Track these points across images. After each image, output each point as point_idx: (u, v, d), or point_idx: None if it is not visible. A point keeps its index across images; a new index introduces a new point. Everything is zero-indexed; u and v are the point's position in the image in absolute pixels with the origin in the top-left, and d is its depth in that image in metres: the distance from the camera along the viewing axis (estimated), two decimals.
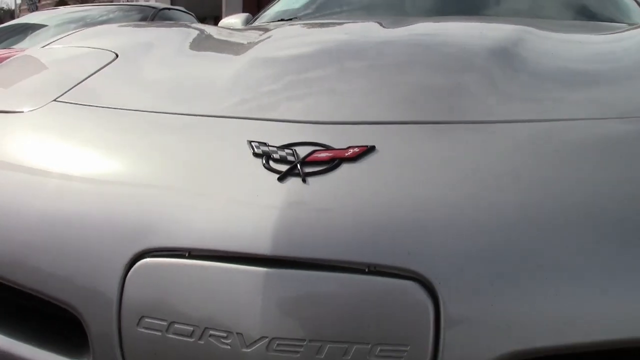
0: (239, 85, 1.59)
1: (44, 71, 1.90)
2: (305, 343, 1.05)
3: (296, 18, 3.17)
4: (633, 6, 3.07)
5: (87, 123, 1.56)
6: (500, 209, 1.11)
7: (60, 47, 2.11)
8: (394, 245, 1.07)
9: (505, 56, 1.53)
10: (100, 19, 7.66)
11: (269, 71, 1.68)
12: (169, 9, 8.54)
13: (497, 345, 1.02)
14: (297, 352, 1.05)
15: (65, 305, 1.23)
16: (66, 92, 1.67)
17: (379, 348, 1.04)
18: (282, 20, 3.12)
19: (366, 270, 1.07)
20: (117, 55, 1.90)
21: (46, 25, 6.53)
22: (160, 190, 1.27)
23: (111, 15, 7.88)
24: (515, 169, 1.19)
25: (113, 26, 2.98)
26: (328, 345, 1.05)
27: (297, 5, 3.52)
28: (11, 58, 2.04)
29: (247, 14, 3.65)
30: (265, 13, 3.59)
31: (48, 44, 2.15)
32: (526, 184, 1.15)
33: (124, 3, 10.26)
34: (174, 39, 2.15)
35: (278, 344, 1.06)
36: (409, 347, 1.03)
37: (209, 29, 2.50)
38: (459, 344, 1.03)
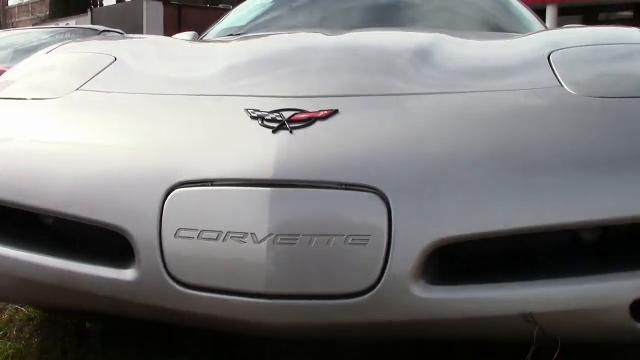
0: (227, 74, 2.13)
1: (60, 69, 2.39)
2: (299, 236, 1.57)
3: (244, 33, 3.69)
4: (534, 22, 3.78)
5: (110, 102, 2.07)
6: (425, 145, 1.68)
7: (65, 52, 2.60)
8: (359, 170, 1.62)
9: (422, 51, 2.12)
10: (46, 39, 7.70)
11: (249, 64, 2.23)
12: (109, 30, 8.91)
13: (431, 233, 1.57)
14: (294, 243, 1.58)
15: (115, 229, 1.71)
16: (84, 83, 2.18)
17: (351, 237, 1.57)
18: (230, 35, 3.59)
19: (340, 187, 1.60)
20: (115, 58, 2.40)
21: None
22: (185, 142, 1.79)
23: (57, 37, 7.97)
24: (429, 120, 1.78)
25: (95, 40, 3.45)
26: (316, 238, 1.57)
27: (240, 23, 4.04)
28: (24, 60, 2.50)
29: (193, 32, 4.12)
30: (211, 31, 4.08)
31: (51, 50, 2.64)
32: (439, 130, 1.73)
33: (57, 27, 10.45)
34: (153, 46, 2.69)
35: (281, 238, 1.58)
36: (371, 235, 1.57)
37: (175, 40, 3.04)
38: (404, 232, 1.57)
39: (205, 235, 1.59)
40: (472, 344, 1.91)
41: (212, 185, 1.64)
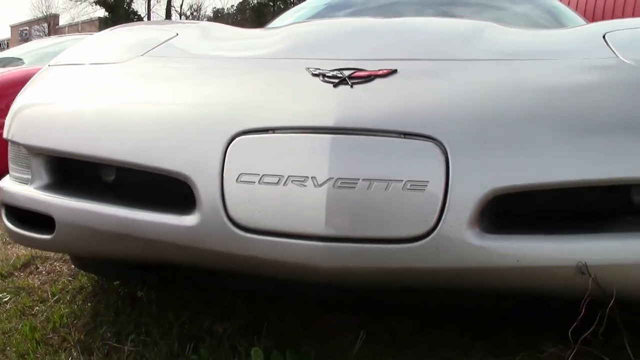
0: (288, 43, 2.20)
1: (126, 40, 2.48)
2: (359, 181, 1.62)
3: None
4: (576, 19, 3.82)
5: (175, 64, 2.15)
6: (483, 101, 1.73)
7: (128, 29, 2.70)
8: (418, 120, 1.67)
9: (477, 30, 2.18)
10: None
11: (309, 36, 2.31)
12: None
13: (487, 182, 1.60)
14: (354, 187, 1.62)
15: (178, 176, 1.77)
16: (148, 51, 2.27)
17: (409, 183, 1.61)
18: None
19: (400, 135, 1.65)
20: (177, 34, 2.49)
21: (21, 59, 6.80)
22: (248, 95, 1.85)
23: None
24: (486, 80, 1.82)
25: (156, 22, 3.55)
26: (375, 182, 1.62)
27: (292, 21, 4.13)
28: (97, 33, 2.61)
29: None
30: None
31: (114, 29, 2.74)
32: (497, 89, 1.78)
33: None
34: (215, 27, 2.78)
35: (341, 182, 1.62)
36: (429, 182, 1.61)
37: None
38: (462, 180, 1.60)
39: (266, 179, 1.63)
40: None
41: (273, 132, 1.67)
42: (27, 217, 2.05)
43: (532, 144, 1.60)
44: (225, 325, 2.18)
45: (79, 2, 36.49)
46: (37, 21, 47.82)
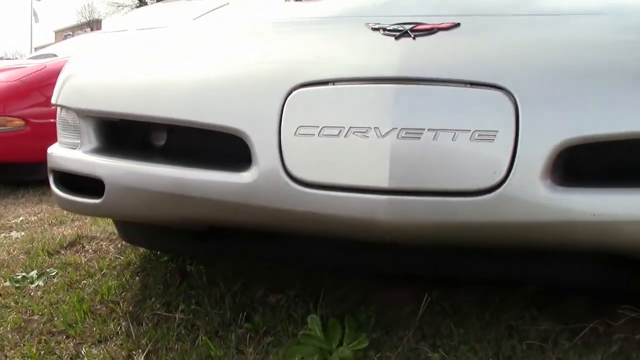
0: (339, 3, 2.12)
1: (175, 9, 2.44)
2: (424, 131, 1.53)
3: None
4: None
5: (227, 26, 2.09)
6: (551, 50, 1.64)
7: (175, 3, 2.65)
8: (485, 69, 1.58)
9: None
10: None
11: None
12: None
13: (559, 132, 1.51)
14: (419, 137, 1.54)
15: (234, 132, 1.70)
16: (199, 16, 2.20)
17: (477, 133, 1.52)
18: None
19: (467, 85, 1.56)
20: (228, 3, 2.43)
21: (55, 54, 6.87)
22: (306, 49, 1.77)
23: None
24: (553, 30, 1.74)
25: None
26: (441, 133, 1.53)
27: None
28: (141, 7, 2.56)
29: None
30: None
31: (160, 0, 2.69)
32: (565, 40, 1.68)
33: None
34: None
35: (405, 133, 1.54)
36: (498, 132, 1.52)
37: None
38: (532, 130, 1.51)
39: (326, 131, 1.56)
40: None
41: (333, 84, 1.60)
42: (76, 182, 2.00)
43: (604, 95, 1.52)
44: (278, 297, 2.11)
45: (120, 8, 36.94)
46: (80, 26, 48.59)
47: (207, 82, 1.77)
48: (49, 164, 2.06)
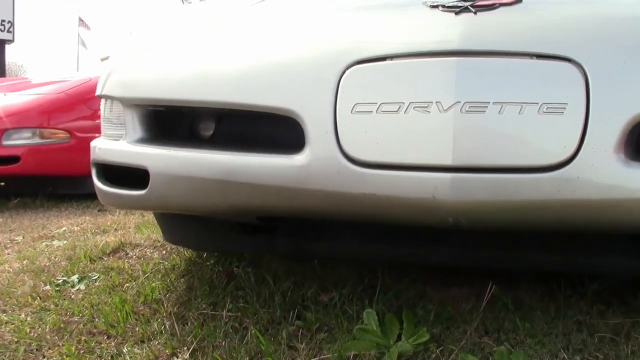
0: None
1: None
2: (489, 104, 1.44)
3: None
4: None
5: (276, 9, 2.01)
6: (624, 23, 1.53)
7: None
8: (552, 40, 1.49)
9: None
10: None
11: None
12: None
13: (633, 105, 1.41)
14: (484, 111, 1.44)
15: (285, 112, 1.62)
16: (255, 4, 2.13)
17: (545, 106, 1.43)
18: None
19: (533, 57, 1.47)
20: None
21: None
22: (362, 27, 1.69)
23: None
24: (615, 6, 1.62)
25: None
26: (507, 106, 1.43)
27: None
28: None
29: None
30: None
31: None
32: (631, 13, 1.58)
33: None
34: None
35: (469, 106, 1.44)
36: (568, 104, 1.42)
37: None
38: (605, 102, 1.41)
39: (385, 108, 1.48)
40: None
41: (391, 60, 1.52)
42: (119, 175, 1.93)
43: None
44: (331, 295, 2.01)
45: None
46: None
47: (258, 63, 1.70)
48: (92, 157, 2.00)
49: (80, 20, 22.04)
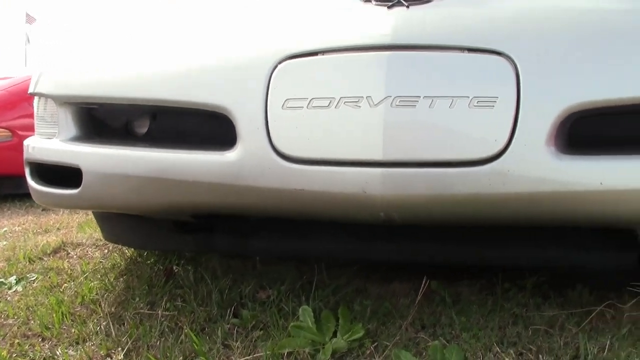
0: None
1: None
2: (420, 99, 1.43)
3: None
4: None
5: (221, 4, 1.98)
6: (554, 15, 1.53)
7: None
8: (484, 34, 1.48)
9: None
10: None
11: None
12: None
13: (563, 98, 1.41)
14: (414, 105, 1.43)
15: (217, 108, 1.59)
16: None
17: (476, 100, 1.42)
18: None
19: (464, 50, 1.46)
20: None
21: None
22: (294, 21, 1.67)
23: None
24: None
25: None
26: (438, 100, 1.43)
27: None
28: None
29: None
30: None
31: None
32: (561, 6, 1.58)
33: None
34: None
35: (400, 101, 1.43)
36: (498, 98, 1.41)
37: None
38: (535, 96, 1.41)
39: (315, 103, 1.46)
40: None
41: (323, 55, 1.50)
42: (53, 174, 1.88)
43: (608, 59, 1.41)
44: (268, 292, 1.98)
45: None
46: None
47: (189, 59, 1.67)
48: (25, 156, 1.96)
49: (28, 15, 21.61)
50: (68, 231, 3.25)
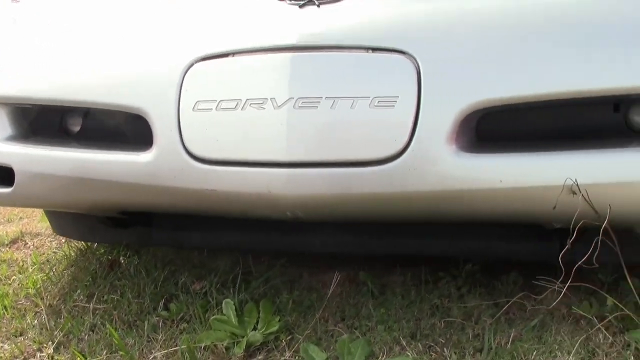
0: None
1: None
2: (322, 99, 1.46)
3: None
4: None
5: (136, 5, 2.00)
6: (458, 14, 1.56)
7: None
8: (387, 34, 1.51)
9: None
10: None
11: None
12: None
13: (464, 96, 1.44)
14: (316, 106, 1.46)
15: (134, 110, 1.63)
16: None
17: (377, 100, 1.45)
18: None
19: (368, 50, 1.49)
20: None
21: None
22: (208, 21, 1.70)
23: None
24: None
25: None
26: (339, 101, 1.46)
27: None
28: None
29: None
30: None
31: None
32: (463, 6, 1.60)
33: None
34: None
35: (302, 102, 1.47)
36: (399, 97, 1.44)
37: None
38: (435, 95, 1.44)
39: (224, 105, 1.50)
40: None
41: (233, 56, 1.53)
42: None
43: (509, 58, 1.43)
44: (203, 283, 2.02)
45: None
46: None
47: (111, 61, 1.71)
48: None
49: None
50: (30, 221, 3.29)
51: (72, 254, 2.51)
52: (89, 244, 2.54)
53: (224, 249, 2.18)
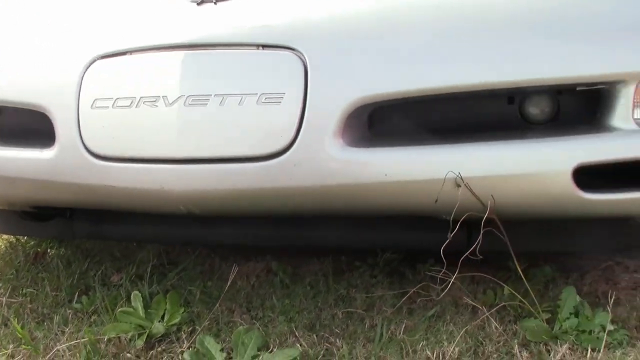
0: None
1: None
2: (211, 97, 1.49)
3: None
4: None
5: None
6: (345, 8, 1.59)
7: None
8: (276, 31, 1.54)
9: None
10: None
11: None
12: None
13: (349, 92, 1.47)
14: (205, 104, 1.49)
15: (37, 108, 1.65)
16: None
17: (264, 97, 1.48)
18: None
19: (258, 47, 1.52)
20: None
21: None
22: (108, 19, 1.73)
23: None
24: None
25: None
26: (228, 98, 1.49)
27: None
28: None
29: None
30: None
31: None
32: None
33: None
34: None
35: (192, 100, 1.49)
36: (285, 94, 1.48)
37: None
38: (321, 90, 1.47)
39: (119, 103, 1.52)
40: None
41: (130, 54, 1.56)
42: None
43: (394, 53, 1.47)
44: (120, 275, 2.05)
45: None
46: None
47: (11, 59, 1.73)
48: None
49: None
50: None
51: (2, 247, 2.51)
52: (19, 237, 2.54)
53: (145, 242, 2.20)
